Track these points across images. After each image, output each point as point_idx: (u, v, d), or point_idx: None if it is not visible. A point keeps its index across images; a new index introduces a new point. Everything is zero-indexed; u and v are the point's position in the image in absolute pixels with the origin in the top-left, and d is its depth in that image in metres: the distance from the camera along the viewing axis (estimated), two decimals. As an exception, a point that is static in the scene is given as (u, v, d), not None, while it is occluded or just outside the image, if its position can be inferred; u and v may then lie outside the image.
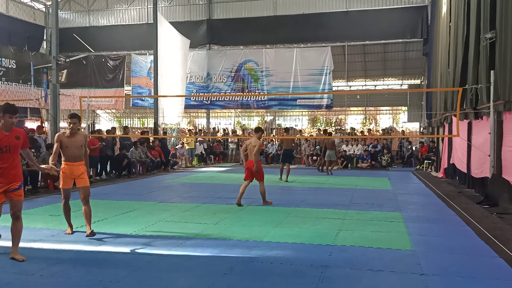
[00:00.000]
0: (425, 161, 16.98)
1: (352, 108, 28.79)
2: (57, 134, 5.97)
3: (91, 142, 12.94)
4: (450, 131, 13.33)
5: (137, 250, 5.17)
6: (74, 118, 5.85)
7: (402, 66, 25.36)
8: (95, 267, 4.52)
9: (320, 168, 16.21)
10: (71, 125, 5.83)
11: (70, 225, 6.03)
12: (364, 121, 28.35)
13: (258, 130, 8.90)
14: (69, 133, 5.83)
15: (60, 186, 5.92)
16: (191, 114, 30.20)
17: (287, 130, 15.61)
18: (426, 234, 6.13)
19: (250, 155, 8.46)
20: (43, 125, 13.92)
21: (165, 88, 18.40)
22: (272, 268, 4.55)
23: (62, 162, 5.84)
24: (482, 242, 5.63)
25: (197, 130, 24.12)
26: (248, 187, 8.46)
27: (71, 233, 5.93)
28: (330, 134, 16.60)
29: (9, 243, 5.42)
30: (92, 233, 5.79)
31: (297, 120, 28.83)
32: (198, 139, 19.56)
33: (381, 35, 21.26)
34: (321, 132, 20.15)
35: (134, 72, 23.17)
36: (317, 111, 26.01)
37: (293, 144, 16.06)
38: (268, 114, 29.00)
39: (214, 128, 25.39)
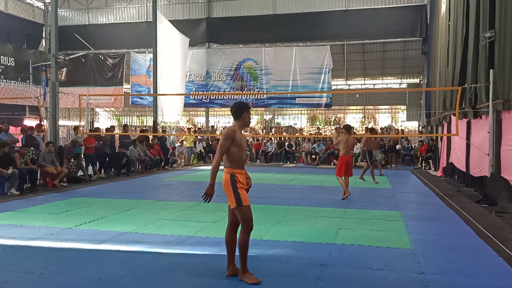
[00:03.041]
0: (425, 160, 16.97)
1: (351, 107, 28.78)
2: (231, 129, 4.17)
3: (87, 141, 12.92)
4: (449, 130, 13.35)
5: (136, 249, 5.16)
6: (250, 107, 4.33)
7: (401, 65, 25.37)
8: (95, 266, 4.51)
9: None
10: (248, 117, 4.30)
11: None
12: (363, 120, 28.34)
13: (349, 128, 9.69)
14: (241, 130, 4.27)
15: (243, 204, 4.09)
16: (190, 112, 30.18)
17: (372, 130, 14.21)
18: (425, 233, 6.14)
19: (342, 151, 9.26)
20: (42, 124, 13.89)
21: (164, 86, 18.38)
22: (271, 266, 4.55)
23: (230, 171, 4.18)
24: (481, 241, 5.63)
25: (196, 128, 24.11)
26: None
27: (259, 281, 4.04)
28: (375, 132, 14.86)
29: (7, 241, 5.42)
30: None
31: (296, 119, 28.82)
32: (197, 137, 19.56)
33: (380, 34, 21.25)
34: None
35: (133, 70, 23.18)
36: (316, 109, 26.02)
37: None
38: (267, 113, 28.99)
39: (213, 127, 25.38)
